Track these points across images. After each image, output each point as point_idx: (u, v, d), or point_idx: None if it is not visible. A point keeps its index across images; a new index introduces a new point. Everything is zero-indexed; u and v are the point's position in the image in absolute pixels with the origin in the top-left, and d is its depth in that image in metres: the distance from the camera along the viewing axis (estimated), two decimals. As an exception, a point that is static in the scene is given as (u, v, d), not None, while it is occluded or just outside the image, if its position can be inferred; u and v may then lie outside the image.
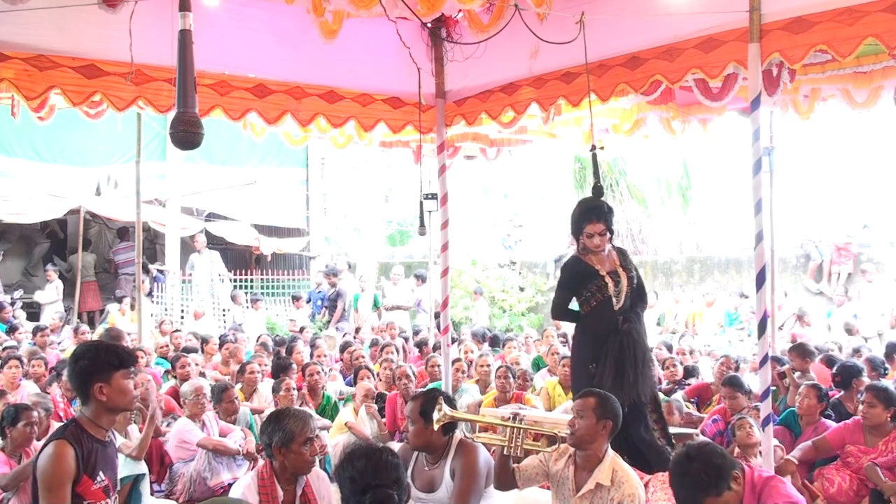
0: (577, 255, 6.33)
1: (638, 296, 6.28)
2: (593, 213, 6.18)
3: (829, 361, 8.50)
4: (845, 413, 7.26)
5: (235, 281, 18.16)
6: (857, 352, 9.56)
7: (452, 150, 8.74)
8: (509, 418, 4.55)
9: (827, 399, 7.07)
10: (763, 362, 5.22)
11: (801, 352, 8.46)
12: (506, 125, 7.38)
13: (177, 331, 12.67)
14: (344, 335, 13.57)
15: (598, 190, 6.21)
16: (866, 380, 7.51)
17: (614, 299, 6.17)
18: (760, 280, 5.21)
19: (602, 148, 8.23)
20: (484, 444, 4.75)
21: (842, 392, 7.57)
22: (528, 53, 6.40)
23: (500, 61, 6.72)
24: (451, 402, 5.02)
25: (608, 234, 6.14)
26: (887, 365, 8.69)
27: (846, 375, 7.58)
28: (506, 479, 4.63)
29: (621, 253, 6.34)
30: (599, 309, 6.21)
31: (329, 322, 15.47)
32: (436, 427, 4.38)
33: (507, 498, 5.10)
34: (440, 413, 4.32)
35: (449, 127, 7.61)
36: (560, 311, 6.45)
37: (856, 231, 15.30)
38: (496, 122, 7.28)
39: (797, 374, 8.03)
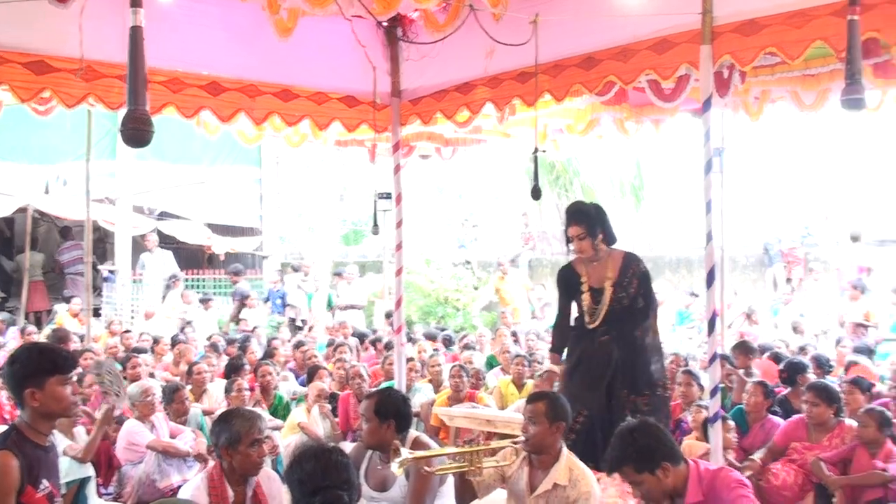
0: (571, 261, 6.43)
1: (637, 313, 6.22)
2: (572, 216, 6.27)
3: (777, 358, 8.65)
4: (792, 409, 7.40)
5: (187, 280, 17.96)
6: (802, 349, 9.74)
7: (407, 150, 8.72)
8: (465, 443, 4.51)
9: (773, 396, 7.21)
10: (712, 360, 5.29)
11: (743, 350, 8.62)
12: (461, 125, 7.39)
13: (127, 331, 12.49)
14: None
15: (535, 192, 6.23)
16: (811, 377, 7.66)
17: (587, 317, 6.22)
18: (710, 279, 5.27)
19: (544, 152, 8.31)
20: (446, 473, 4.66)
21: (788, 389, 7.71)
22: (484, 53, 6.40)
23: (455, 61, 6.73)
24: (406, 402, 5.02)
25: (589, 239, 6.16)
26: (832, 362, 8.86)
27: (792, 372, 7.74)
28: (467, 495, 4.61)
29: (627, 264, 6.26)
30: (578, 320, 6.31)
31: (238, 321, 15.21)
32: (399, 472, 4.33)
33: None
34: (401, 458, 4.27)
35: (404, 126, 7.60)
36: (556, 324, 6.60)
37: (802, 233, 15.56)
38: (451, 122, 7.28)
39: (741, 371, 8.17)
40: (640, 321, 6.26)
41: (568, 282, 6.40)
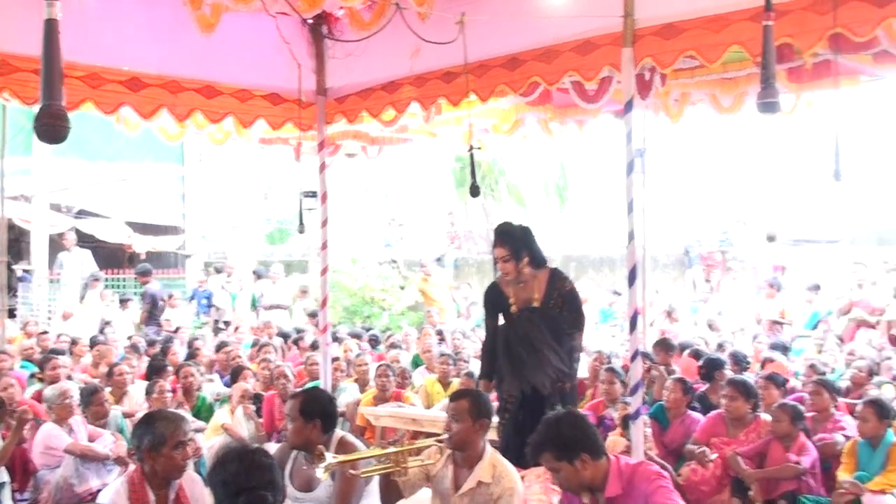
0: (497, 279, 6.40)
1: (563, 319, 6.25)
2: (498, 237, 6.24)
3: (697, 355, 8.85)
4: (710, 405, 7.58)
5: (107, 280, 17.57)
6: (720, 346, 9.98)
7: (333, 148, 8.67)
8: (390, 444, 4.51)
9: (692, 392, 7.38)
10: (634, 358, 5.38)
11: (664, 347, 8.83)
12: (387, 123, 7.38)
13: (44, 332, 12.16)
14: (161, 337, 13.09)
15: (474, 189, 6.26)
16: (729, 373, 7.86)
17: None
18: (632, 278, 5.37)
19: (480, 148, 8.32)
20: (372, 475, 4.64)
21: (707, 385, 7.90)
22: (410, 52, 6.41)
23: (381, 59, 6.72)
24: (332, 402, 5.00)
25: (514, 261, 6.14)
26: (749, 359, 9.10)
27: (710, 369, 7.94)
28: (392, 495, 4.61)
29: (552, 283, 6.26)
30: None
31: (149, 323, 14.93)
32: (324, 476, 4.30)
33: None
34: (326, 462, 4.24)
35: (329, 124, 7.56)
36: (485, 349, 6.57)
37: (721, 237, 15.90)
38: (377, 121, 7.27)
39: (662, 368, 8.34)
40: (566, 325, 6.30)
41: (495, 302, 6.43)
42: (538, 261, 6.29)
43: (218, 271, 16.95)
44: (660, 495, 3.81)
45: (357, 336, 12.40)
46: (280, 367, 8.68)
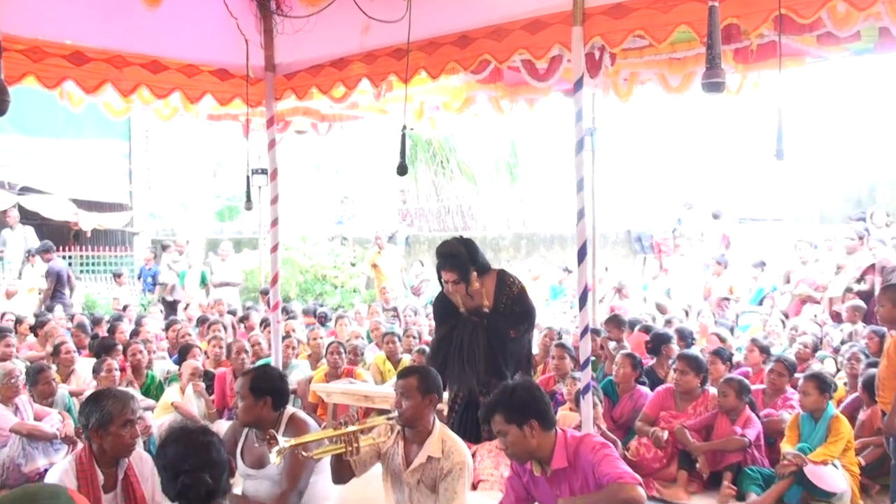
0: (445, 291, 6.50)
1: (516, 321, 6.37)
2: (446, 262, 6.35)
3: (648, 332, 8.99)
4: (657, 379, 7.72)
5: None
6: (668, 323, 10.15)
7: (283, 125, 8.59)
8: (341, 424, 4.51)
9: (641, 367, 7.50)
10: (583, 334, 5.44)
11: (616, 323, 8.94)
12: (337, 100, 7.33)
13: (-12, 311, 11.94)
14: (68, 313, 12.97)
15: (402, 169, 6.26)
16: (675, 347, 8.00)
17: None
18: (581, 255, 5.42)
19: (412, 129, 8.36)
20: (325, 455, 4.65)
21: (654, 359, 8.03)
22: (360, 29, 6.37)
23: (330, 36, 6.66)
24: (283, 378, 4.99)
25: (463, 284, 6.27)
26: (695, 335, 9.27)
27: (657, 343, 8.07)
28: (344, 474, 4.63)
29: (500, 288, 6.38)
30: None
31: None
32: (276, 461, 4.30)
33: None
34: (279, 447, 4.23)
35: (278, 101, 7.48)
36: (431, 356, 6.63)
37: (672, 225, 16.04)
38: (327, 97, 7.22)
39: (613, 344, 8.46)
40: (513, 323, 6.40)
41: (445, 309, 6.59)
42: (483, 269, 6.43)
43: (164, 248, 16.73)
44: (605, 464, 3.88)
45: (310, 313, 12.41)
46: (239, 343, 8.64)
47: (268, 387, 4.78)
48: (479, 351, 6.22)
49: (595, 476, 3.90)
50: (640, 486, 3.80)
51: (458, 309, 6.46)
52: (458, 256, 6.34)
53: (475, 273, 6.33)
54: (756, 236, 15.31)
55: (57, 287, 14.27)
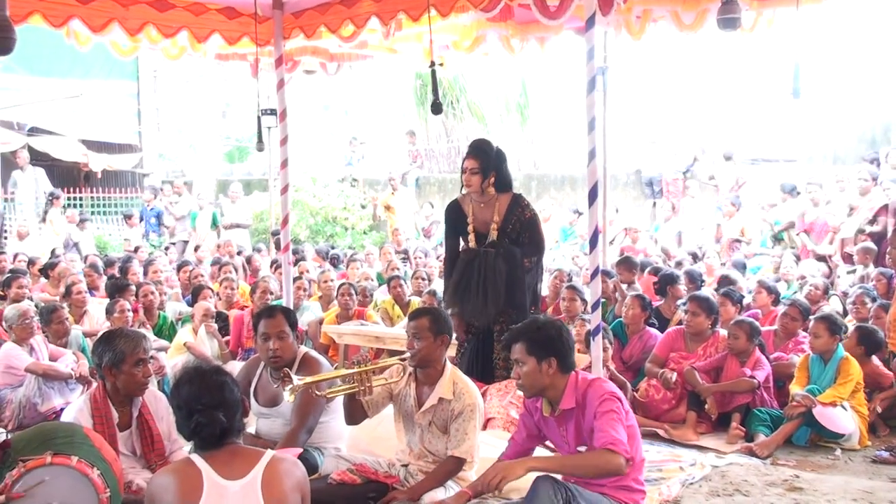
0: (458, 197, 6.46)
1: (522, 246, 6.30)
2: (471, 150, 6.32)
3: (657, 273, 8.97)
4: (663, 319, 7.73)
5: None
6: (679, 264, 10.14)
7: (291, 65, 8.51)
8: (354, 363, 4.53)
9: (651, 308, 7.50)
10: (594, 275, 5.44)
11: (628, 265, 8.92)
12: (346, 39, 7.25)
13: (1, 252, 12.00)
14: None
15: (436, 107, 6.21)
16: (682, 287, 7.99)
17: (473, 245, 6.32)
18: (592, 196, 5.40)
19: (441, 65, 8.23)
20: (337, 395, 4.69)
21: (661, 300, 8.04)
22: (369, -35, 6.28)
23: (339, -28, 6.58)
24: (294, 318, 5.03)
25: (480, 175, 6.19)
26: (704, 277, 9.26)
27: (664, 283, 8.07)
28: (357, 414, 4.66)
29: (512, 208, 6.30)
30: (466, 253, 6.42)
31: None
32: (290, 398, 4.34)
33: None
34: (292, 385, 4.26)
35: (287, 40, 7.42)
36: (447, 260, 6.59)
37: (687, 165, 15.90)
38: (336, 36, 7.14)
39: (625, 286, 8.46)
40: (527, 252, 6.35)
41: (455, 219, 6.50)
42: (504, 184, 6.33)
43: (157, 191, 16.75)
44: (604, 421, 3.89)
45: (323, 255, 12.44)
46: (265, 283, 8.66)
47: (294, 321, 4.90)
48: (501, 282, 6.19)
49: (592, 429, 3.94)
50: (625, 457, 3.81)
51: (466, 220, 6.38)
52: (487, 151, 6.31)
53: (494, 177, 6.25)
54: (768, 177, 15.18)
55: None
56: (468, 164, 6.26)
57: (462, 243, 6.50)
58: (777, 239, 12.64)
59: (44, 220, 15.12)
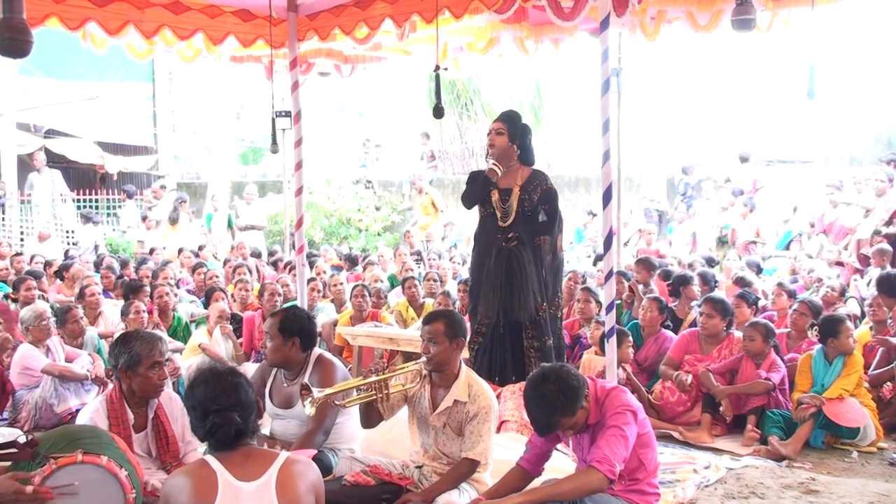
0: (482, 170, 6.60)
1: (538, 225, 6.39)
2: (502, 115, 6.60)
3: (668, 276, 8.94)
4: (676, 320, 7.70)
5: (79, 201, 17.41)
6: (691, 266, 10.10)
7: (306, 67, 8.53)
8: (371, 371, 4.52)
9: (667, 311, 7.47)
10: (608, 277, 5.42)
11: (645, 265, 8.88)
12: (360, 41, 7.26)
13: (18, 254, 12.08)
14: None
15: (438, 111, 6.22)
16: (696, 289, 7.96)
17: (499, 213, 6.35)
18: (607, 198, 5.38)
19: (446, 69, 8.31)
20: (356, 404, 4.66)
21: (676, 302, 8.00)
22: (383, -32, 6.28)
23: (353, -25, 6.58)
24: (310, 320, 5.04)
25: (507, 136, 6.37)
26: (717, 279, 9.21)
27: (677, 284, 8.04)
28: (373, 418, 4.66)
29: (534, 176, 6.47)
30: (486, 221, 6.48)
31: None
32: (312, 411, 4.34)
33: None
34: (312, 398, 4.26)
35: (301, 42, 7.43)
36: (466, 199, 6.67)
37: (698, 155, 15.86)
38: (350, 38, 7.15)
39: (641, 287, 8.42)
40: (540, 232, 6.42)
41: (478, 178, 6.59)
42: (528, 157, 6.54)
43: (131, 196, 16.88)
44: (605, 438, 3.95)
45: (341, 256, 12.49)
46: (273, 285, 8.71)
47: (296, 327, 4.83)
48: (533, 276, 6.27)
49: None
50: (608, 476, 3.84)
51: (490, 178, 6.42)
52: (515, 119, 6.55)
53: (518, 145, 6.44)
54: (785, 179, 15.10)
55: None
56: (495, 125, 6.47)
57: (483, 212, 6.57)
58: (721, 242, 12.75)
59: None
